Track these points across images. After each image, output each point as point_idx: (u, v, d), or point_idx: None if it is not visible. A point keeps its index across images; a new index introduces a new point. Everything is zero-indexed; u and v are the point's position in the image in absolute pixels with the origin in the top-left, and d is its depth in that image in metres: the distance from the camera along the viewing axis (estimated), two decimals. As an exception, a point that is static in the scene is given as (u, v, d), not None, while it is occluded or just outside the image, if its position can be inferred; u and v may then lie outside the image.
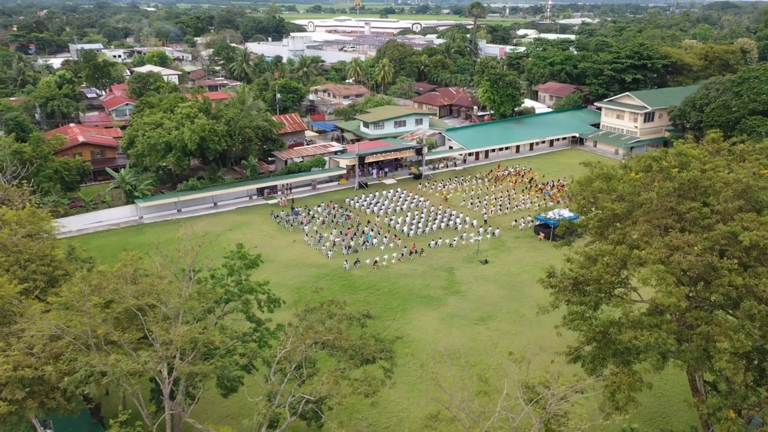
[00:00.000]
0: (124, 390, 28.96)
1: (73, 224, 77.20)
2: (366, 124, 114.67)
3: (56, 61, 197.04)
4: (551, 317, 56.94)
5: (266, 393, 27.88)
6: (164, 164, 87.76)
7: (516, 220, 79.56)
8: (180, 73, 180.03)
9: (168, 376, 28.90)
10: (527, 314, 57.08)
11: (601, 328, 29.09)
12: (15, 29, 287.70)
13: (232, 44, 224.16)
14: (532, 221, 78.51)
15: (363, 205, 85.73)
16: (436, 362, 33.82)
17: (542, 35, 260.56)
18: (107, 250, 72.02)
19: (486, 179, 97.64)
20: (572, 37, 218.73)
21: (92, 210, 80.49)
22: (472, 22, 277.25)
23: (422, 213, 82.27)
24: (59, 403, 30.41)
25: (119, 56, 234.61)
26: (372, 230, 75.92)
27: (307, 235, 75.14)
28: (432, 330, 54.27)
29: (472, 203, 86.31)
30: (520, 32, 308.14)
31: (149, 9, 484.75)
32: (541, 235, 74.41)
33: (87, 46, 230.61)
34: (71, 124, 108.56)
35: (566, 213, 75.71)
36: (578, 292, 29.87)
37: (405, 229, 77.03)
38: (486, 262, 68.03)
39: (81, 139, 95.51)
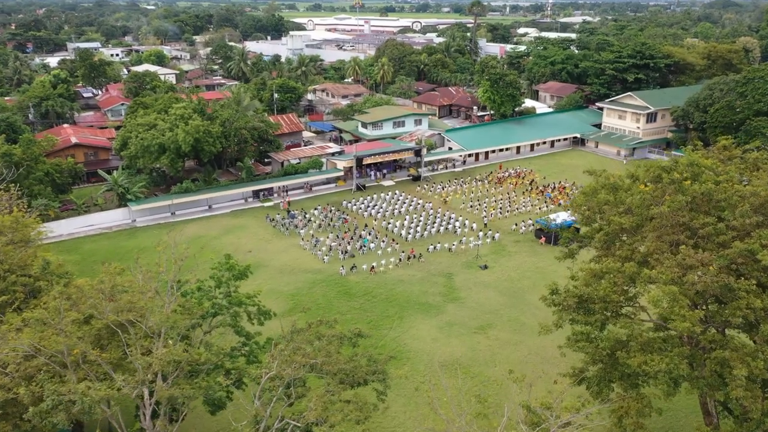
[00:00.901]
0: (102, 412, 27.33)
1: (64, 228, 75.55)
2: (364, 125, 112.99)
3: (53, 60, 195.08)
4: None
5: (252, 417, 26.24)
6: (158, 166, 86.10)
7: (516, 224, 77.94)
8: (177, 72, 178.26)
9: (150, 397, 27.30)
10: (528, 322, 55.47)
11: (608, 350, 27.31)
12: (13, 28, 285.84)
13: (231, 43, 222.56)
14: (533, 225, 76.88)
15: (360, 208, 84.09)
16: (432, 385, 32.02)
17: (543, 34, 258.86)
18: (98, 254, 70.41)
19: (486, 181, 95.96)
20: (573, 35, 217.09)
21: (84, 213, 78.83)
22: (473, 21, 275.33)
23: (421, 216, 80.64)
24: (35, 425, 28.77)
25: (117, 55, 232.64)
26: (369, 234, 74.30)
27: (302, 239, 73.50)
28: (430, 339, 52.65)
29: (471, 206, 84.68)
30: (521, 31, 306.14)
31: (149, 7, 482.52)
32: (542, 239, 72.77)
33: (85, 45, 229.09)
34: (64, 125, 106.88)
35: (567, 216, 74.36)
36: (583, 311, 28.13)
37: (403, 233, 75.41)
38: (486, 267, 66.41)
39: (74, 140, 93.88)
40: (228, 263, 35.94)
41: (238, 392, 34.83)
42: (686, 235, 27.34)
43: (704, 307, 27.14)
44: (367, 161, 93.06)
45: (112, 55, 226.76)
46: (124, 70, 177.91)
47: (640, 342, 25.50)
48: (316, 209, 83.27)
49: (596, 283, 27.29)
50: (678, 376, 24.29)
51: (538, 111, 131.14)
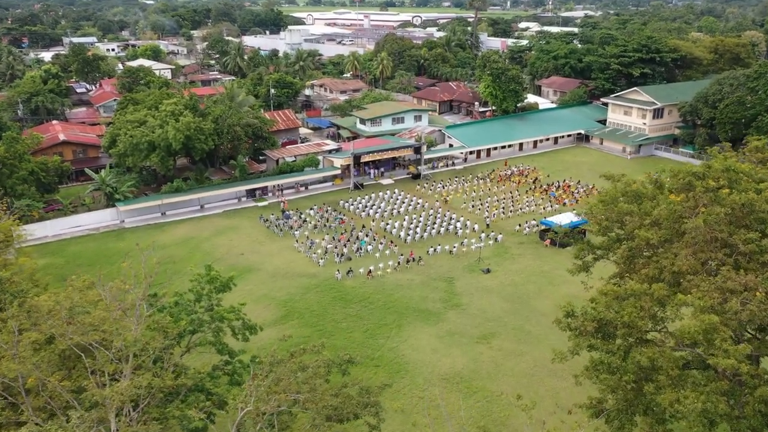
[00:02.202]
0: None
1: (49, 229, 72.67)
2: (363, 121, 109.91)
3: (48, 55, 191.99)
4: (561, 335, 52.35)
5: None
6: (148, 165, 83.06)
7: (520, 225, 74.89)
8: (173, 67, 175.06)
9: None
10: (533, 331, 52.54)
11: (633, 384, 24.12)
12: (9, 22, 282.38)
13: (228, 38, 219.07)
14: (537, 226, 73.88)
15: (358, 208, 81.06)
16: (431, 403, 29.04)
17: (544, 28, 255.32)
18: (84, 257, 67.59)
19: (488, 179, 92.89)
20: (575, 30, 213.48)
21: (71, 214, 75.85)
22: (473, 15, 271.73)
23: (420, 216, 77.63)
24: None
25: (113, 50, 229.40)
26: (367, 236, 71.31)
27: (297, 240, 70.50)
28: (429, 350, 49.67)
29: (473, 205, 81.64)
30: (522, 25, 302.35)
31: (147, 2, 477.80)
32: (547, 241, 69.75)
33: (81, 40, 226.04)
34: (53, 121, 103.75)
35: (573, 217, 71.40)
36: (604, 337, 25.05)
37: (402, 234, 72.41)
38: (488, 271, 63.40)
39: (62, 137, 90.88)
40: (209, 275, 32.96)
41: (222, 412, 32.01)
42: (725, 253, 24.26)
43: (750, 338, 23.92)
44: (365, 159, 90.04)
45: (108, 50, 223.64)
46: (119, 65, 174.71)
47: (671, 376, 22.42)
48: (311, 209, 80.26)
49: (619, 306, 24.10)
50: (715, 415, 21.32)
51: (540, 107, 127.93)
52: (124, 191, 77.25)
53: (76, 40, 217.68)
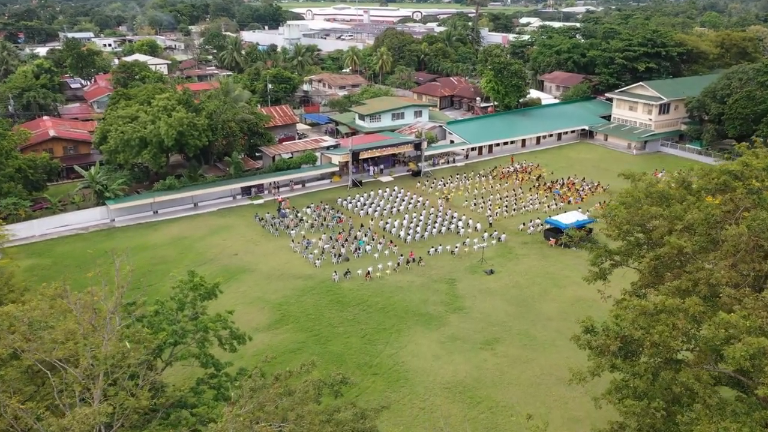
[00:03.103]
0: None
1: (36, 228, 70.15)
2: (362, 117, 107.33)
3: (44, 51, 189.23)
4: (568, 341, 49.83)
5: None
6: (140, 162, 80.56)
7: (524, 223, 72.39)
8: (169, 62, 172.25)
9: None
10: (539, 336, 50.08)
11: (663, 411, 21.48)
12: (6, 18, 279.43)
13: (227, 33, 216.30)
14: (542, 224, 71.40)
15: (356, 206, 78.55)
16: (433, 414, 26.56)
17: (546, 23, 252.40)
18: (72, 257, 65.07)
19: (490, 176, 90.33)
20: (578, 25, 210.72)
21: (59, 212, 73.32)
22: (474, 11, 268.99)
23: (421, 215, 75.12)
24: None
25: (109, 45, 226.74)
26: (365, 235, 68.81)
27: (293, 240, 67.99)
28: (431, 356, 47.22)
29: (475, 203, 79.12)
30: (523, 20, 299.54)
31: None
32: (552, 241, 67.26)
33: (77, 35, 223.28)
34: (44, 117, 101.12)
35: (579, 215, 68.96)
36: (628, 357, 22.52)
37: (402, 233, 69.91)
38: (491, 272, 60.90)
39: (52, 133, 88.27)
40: (192, 281, 30.43)
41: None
42: (772, 264, 21.74)
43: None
44: (364, 155, 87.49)
45: (104, 45, 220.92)
46: (115, 60, 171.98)
47: (708, 404, 19.91)
48: (308, 207, 77.75)
49: (647, 323, 21.48)
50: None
51: (543, 102, 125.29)
52: (114, 189, 74.74)
53: (72, 35, 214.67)
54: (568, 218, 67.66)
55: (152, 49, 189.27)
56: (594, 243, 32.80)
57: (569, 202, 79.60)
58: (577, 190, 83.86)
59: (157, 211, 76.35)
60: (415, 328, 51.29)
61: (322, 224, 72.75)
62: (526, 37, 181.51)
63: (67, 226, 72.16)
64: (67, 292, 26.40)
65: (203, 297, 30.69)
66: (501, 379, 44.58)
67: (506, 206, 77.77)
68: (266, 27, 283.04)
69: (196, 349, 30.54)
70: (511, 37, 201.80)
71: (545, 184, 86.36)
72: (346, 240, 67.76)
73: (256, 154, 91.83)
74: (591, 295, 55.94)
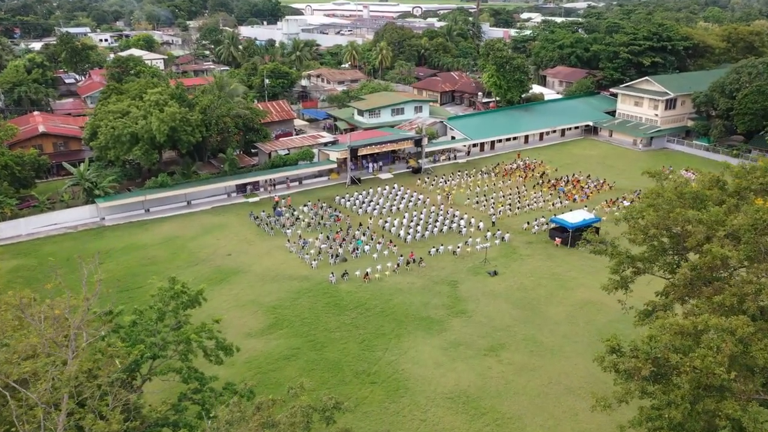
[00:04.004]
0: None
1: (23, 227, 67.70)
2: (361, 112, 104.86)
3: (39, 46, 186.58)
4: (577, 347, 47.60)
5: None
6: (131, 158, 78.07)
7: (528, 222, 69.89)
8: (165, 57, 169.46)
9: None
10: (546, 342, 47.63)
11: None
12: (2, 13, 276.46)
13: (225, 27, 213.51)
14: (547, 223, 68.94)
15: (355, 205, 76.03)
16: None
17: (547, 18, 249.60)
18: (59, 257, 62.27)
19: (493, 173, 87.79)
20: (580, 20, 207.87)
21: (47, 211, 70.82)
22: (475, 6, 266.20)
23: (421, 213, 72.65)
24: None
25: (106, 40, 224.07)
26: (364, 235, 66.32)
27: (289, 240, 65.49)
28: (432, 364, 44.77)
29: (477, 201, 76.60)
30: (524, 16, 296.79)
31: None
32: (558, 240, 64.79)
33: (74, 30, 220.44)
34: (35, 112, 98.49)
35: (585, 214, 66.54)
36: (662, 382, 19.95)
37: (402, 233, 67.42)
38: (495, 273, 58.42)
39: (41, 129, 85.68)
40: (172, 289, 27.95)
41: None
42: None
43: None
44: (362, 152, 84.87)
45: (100, 40, 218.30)
46: (111, 55, 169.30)
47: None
48: (305, 205, 75.26)
49: (685, 345, 18.84)
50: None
51: (546, 97, 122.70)
52: (104, 186, 72.25)
53: (69, 30, 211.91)
54: (574, 217, 65.26)
55: (149, 45, 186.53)
56: (615, 246, 29.73)
57: (574, 200, 77.13)
58: (582, 187, 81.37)
59: (148, 210, 73.89)
60: (416, 333, 48.85)
61: (319, 223, 70.28)
62: (527, 32, 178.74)
63: (55, 225, 69.66)
64: (30, 302, 23.87)
65: (185, 305, 28.18)
66: (506, 389, 42.14)
67: (509, 204, 75.30)
68: (265, 22, 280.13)
69: (179, 363, 28.13)
70: (513, 32, 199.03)
71: (549, 181, 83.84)
72: (344, 240, 65.29)
73: (252, 150, 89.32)
74: (600, 298, 53.61)
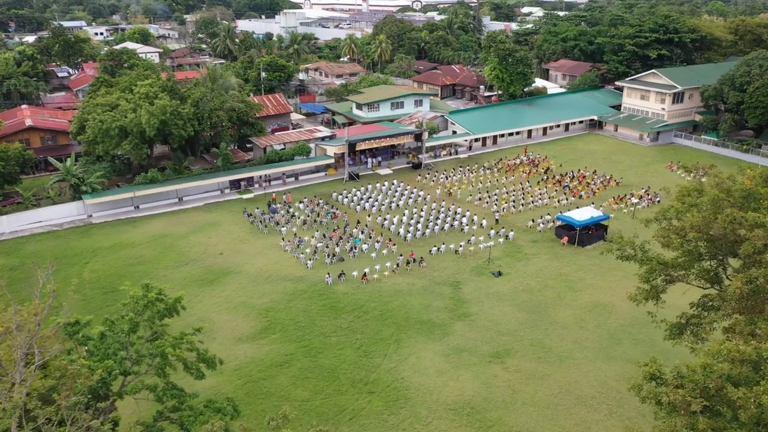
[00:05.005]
0: None
1: (6, 225, 64.91)
2: (359, 106, 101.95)
3: (33, 39, 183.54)
4: (587, 353, 44.82)
5: None
6: (121, 153, 75.19)
7: (533, 220, 67.08)
8: (161, 50, 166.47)
9: None
10: (554, 347, 44.86)
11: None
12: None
13: (223, 21, 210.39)
14: (553, 221, 66.15)
15: (353, 201, 73.19)
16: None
17: (549, 12, 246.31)
18: (43, 257, 59.42)
19: (495, 169, 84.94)
20: (582, 13, 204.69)
21: (32, 207, 67.99)
22: (475, 0, 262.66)
23: (422, 211, 69.84)
24: None
25: (101, 33, 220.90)
26: (362, 233, 63.48)
27: (283, 238, 62.66)
28: (434, 372, 41.99)
29: (480, 198, 73.78)
30: (525, 10, 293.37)
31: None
32: (565, 239, 61.97)
33: (69, 24, 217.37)
34: (23, 106, 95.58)
35: (593, 211, 63.75)
36: (714, 417, 17.06)
37: (401, 231, 64.58)
38: (499, 274, 55.64)
39: (28, 122, 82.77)
40: (146, 297, 25.12)
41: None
42: None
43: None
44: (361, 147, 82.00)
45: (96, 33, 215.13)
46: (105, 48, 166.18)
47: None
48: (301, 202, 72.43)
49: (741, 372, 16.01)
50: None
51: (549, 91, 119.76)
52: (91, 182, 69.35)
53: (64, 24, 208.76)
54: (582, 214, 62.44)
55: (144, 38, 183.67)
56: (645, 251, 26.39)
57: (580, 196, 74.30)
58: (588, 183, 78.57)
59: (138, 207, 71.12)
60: (416, 337, 46.09)
61: (315, 221, 67.47)
62: (529, 26, 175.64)
63: (40, 222, 66.86)
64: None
65: (162, 314, 25.37)
66: (513, 399, 39.38)
67: (513, 201, 72.49)
68: (263, 16, 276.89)
69: (156, 378, 25.34)
70: (514, 26, 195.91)
71: (554, 177, 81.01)
72: (341, 238, 62.48)
73: (247, 145, 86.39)
74: (610, 300, 51.04)
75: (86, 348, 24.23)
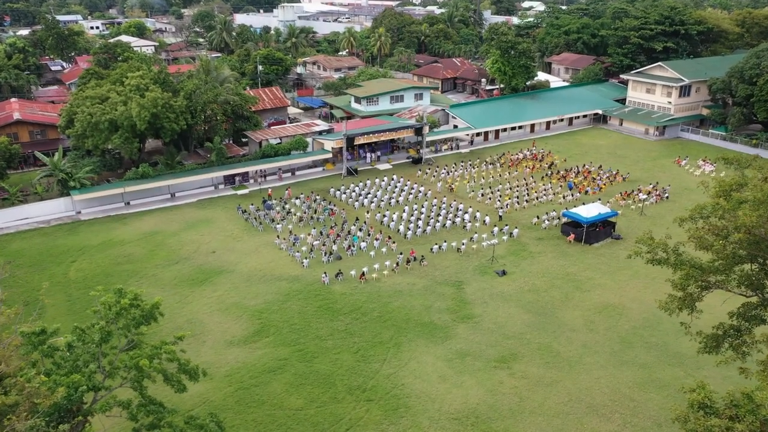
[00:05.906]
0: None
1: (-10, 222, 62.50)
2: (358, 100, 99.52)
3: (27, 33, 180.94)
4: (598, 357, 42.36)
5: None
6: (111, 147, 72.76)
7: (538, 216, 64.67)
8: (156, 44, 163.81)
9: None
10: (563, 351, 42.50)
11: None
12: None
13: (220, 14, 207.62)
14: (559, 218, 63.78)
15: (351, 197, 70.76)
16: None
17: (551, 5, 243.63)
18: (27, 256, 57.40)
19: (498, 164, 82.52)
20: (584, 6, 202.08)
21: (18, 203, 65.58)
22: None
23: (422, 207, 67.44)
24: None
25: (97, 27, 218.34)
26: (360, 230, 61.06)
27: (278, 236, 60.25)
28: (436, 378, 39.63)
29: (482, 194, 71.39)
30: (525, 4, 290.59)
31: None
32: (571, 236, 59.58)
33: (65, 18, 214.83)
34: (11, 99, 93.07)
35: (600, 208, 61.36)
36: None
37: (401, 228, 62.18)
38: (504, 273, 53.26)
39: (16, 116, 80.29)
40: (119, 303, 22.72)
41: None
42: None
43: None
44: (359, 141, 79.48)
45: (91, 27, 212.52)
46: (99, 41, 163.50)
47: None
48: (297, 198, 70.00)
49: None
50: None
51: (552, 85, 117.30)
52: (80, 178, 66.93)
53: (59, 18, 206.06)
54: (589, 211, 60.03)
55: (140, 31, 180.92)
56: (679, 255, 23.63)
57: (586, 192, 71.91)
58: (594, 179, 76.17)
59: (129, 203, 68.72)
60: (417, 341, 43.72)
61: (312, 217, 65.06)
62: (531, 20, 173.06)
63: (27, 219, 64.48)
64: None
65: (138, 322, 22.98)
66: (520, 407, 37.03)
67: (517, 197, 70.06)
68: (261, 10, 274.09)
69: (133, 392, 22.97)
70: (515, 20, 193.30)
71: (558, 172, 78.60)
72: (339, 235, 60.09)
73: (242, 139, 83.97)
74: (620, 301, 48.79)
75: (52, 360, 21.88)
